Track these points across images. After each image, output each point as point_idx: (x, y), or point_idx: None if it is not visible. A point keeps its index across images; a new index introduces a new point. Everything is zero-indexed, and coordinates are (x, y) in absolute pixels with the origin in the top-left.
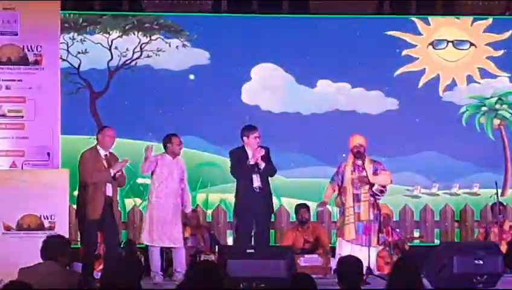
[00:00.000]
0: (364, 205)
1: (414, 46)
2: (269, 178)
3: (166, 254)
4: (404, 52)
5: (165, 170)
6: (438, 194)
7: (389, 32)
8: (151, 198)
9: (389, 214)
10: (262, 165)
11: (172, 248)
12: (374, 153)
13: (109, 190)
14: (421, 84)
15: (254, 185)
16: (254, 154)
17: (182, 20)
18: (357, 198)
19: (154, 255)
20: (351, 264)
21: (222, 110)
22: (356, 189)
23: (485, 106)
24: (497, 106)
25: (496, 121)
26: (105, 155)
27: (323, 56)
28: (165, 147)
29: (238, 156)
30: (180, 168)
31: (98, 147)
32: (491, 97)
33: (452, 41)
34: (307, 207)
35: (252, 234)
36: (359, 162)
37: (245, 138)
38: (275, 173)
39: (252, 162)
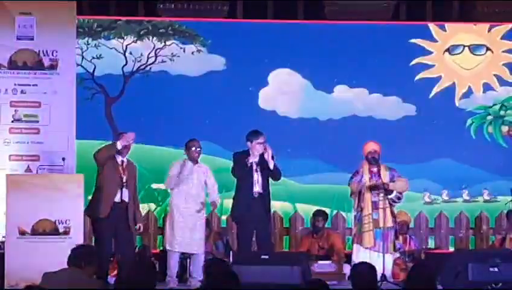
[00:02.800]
0: (382, 212)
1: (430, 52)
2: (273, 184)
3: (181, 259)
4: (420, 60)
5: (184, 177)
6: (453, 201)
7: (407, 40)
8: (171, 203)
9: (407, 221)
10: (272, 163)
11: (191, 254)
12: (390, 159)
13: (125, 196)
14: (436, 91)
15: (254, 190)
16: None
17: (197, 26)
18: (375, 205)
19: (172, 260)
20: (364, 270)
21: (238, 115)
22: (374, 196)
23: (489, 114)
24: (502, 113)
25: (504, 128)
26: (122, 161)
27: (340, 61)
28: (185, 153)
29: (241, 159)
30: (203, 173)
31: (116, 153)
32: (494, 105)
33: (469, 46)
34: (323, 214)
35: (253, 240)
36: (375, 169)
37: (249, 143)
38: (280, 177)
39: (256, 160)
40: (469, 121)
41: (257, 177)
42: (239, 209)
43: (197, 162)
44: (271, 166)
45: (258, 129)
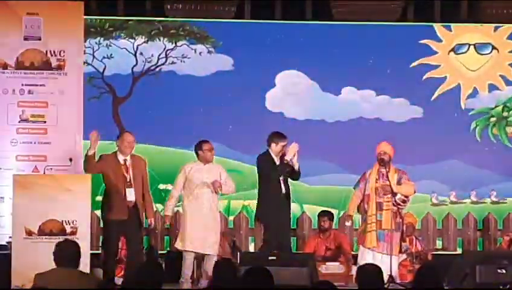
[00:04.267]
0: (386, 214)
1: (436, 52)
2: (290, 184)
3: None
4: (425, 60)
5: (195, 177)
6: (460, 203)
7: (414, 40)
8: (183, 204)
9: (413, 223)
10: (297, 165)
11: (204, 255)
12: (398, 161)
13: (131, 195)
14: (441, 92)
15: (280, 190)
16: (290, 151)
17: (207, 26)
18: (379, 206)
19: (187, 261)
20: (370, 272)
21: (245, 117)
22: (379, 197)
23: (493, 116)
24: (505, 114)
25: (509, 129)
26: (125, 160)
27: (347, 63)
28: (196, 153)
29: (267, 161)
30: (215, 172)
31: (118, 152)
32: (496, 106)
33: (474, 45)
34: (329, 215)
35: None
36: (383, 170)
37: (273, 145)
38: (299, 177)
39: (289, 158)
40: (473, 124)
41: (281, 178)
42: (268, 210)
43: (207, 163)
44: (296, 167)
45: (264, 130)
